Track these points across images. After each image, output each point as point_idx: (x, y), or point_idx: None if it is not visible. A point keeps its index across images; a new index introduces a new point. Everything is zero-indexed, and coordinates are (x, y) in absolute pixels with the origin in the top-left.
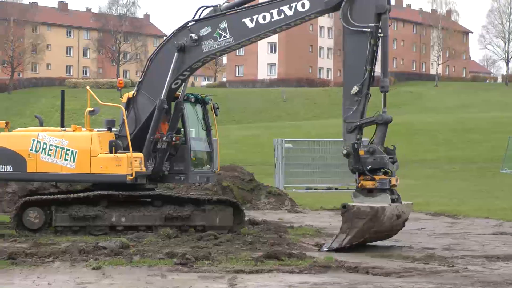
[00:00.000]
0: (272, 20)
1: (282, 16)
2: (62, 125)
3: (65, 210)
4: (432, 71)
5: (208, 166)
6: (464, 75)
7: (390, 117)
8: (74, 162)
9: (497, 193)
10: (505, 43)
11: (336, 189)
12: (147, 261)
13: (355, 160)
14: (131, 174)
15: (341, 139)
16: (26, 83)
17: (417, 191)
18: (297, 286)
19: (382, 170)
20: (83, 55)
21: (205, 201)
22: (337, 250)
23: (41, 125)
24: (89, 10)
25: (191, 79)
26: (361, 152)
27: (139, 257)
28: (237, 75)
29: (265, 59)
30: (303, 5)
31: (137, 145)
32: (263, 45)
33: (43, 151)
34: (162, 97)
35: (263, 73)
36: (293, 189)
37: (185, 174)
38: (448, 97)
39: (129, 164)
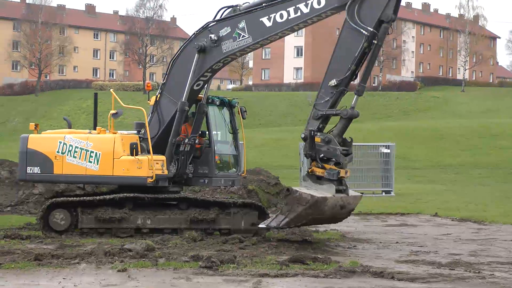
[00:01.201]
0: (289, 18)
1: (299, 13)
2: (95, 127)
3: (91, 212)
4: (459, 76)
5: (234, 169)
6: (491, 80)
7: (357, 112)
8: (97, 164)
9: None
10: None
11: (361, 193)
12: (172, 264)
13: (310, 146)
14: (152, 177)
15: (367, 144)
16: (53, 85)
17: (443, 197)
18: None
19: (333, 160)
20: (110, 58)
21: (231, 205)
22: (274, 228)
23: (69, 127)
24: (116, 12)
25: (216, 82)
26: (317, 139)
27: (164, 260)
28: (263, 78)
29: (291, 63)
30: (318, 2)
31: (162, 148)
32: (289, 49)
33: (69, 153)
34: (183, 99)
35: (289, 77)
36: None
37: (209, 177)
38: (475, 102)
39: (150, 166)
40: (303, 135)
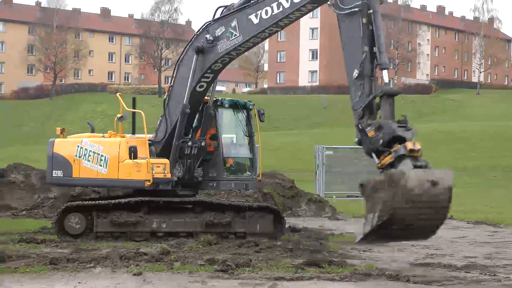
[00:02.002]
0: (273, 13)
1: (281, 8)
2: (133, 132)
3: (106, 216)
4: (474, 79)
5: (248, 172)
6: (506, 83)
7: (394, 89)
8: (106, 167)
9: None
10: None
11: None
12: (188, 268)
13: (366, 143)
14: (149, 180)
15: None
16: (68, 88)
17: (458, 199)
18: None
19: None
20: (125, 61)
21: (246, 208)
22: (371, 233)
23: (92, 131)
24: (131, 16)
25: (232, 85)
26: (371, 133)
27: (180, 264)
28: (278, 81)
29: (307, 66)
30: None
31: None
32: (304, 52)
33: (85, 157)
34: (184, 102)
35: (304, 80)
36: (334, 197)
37: (217, 180)
38: (490, 105)
39: (149, 170)
40: (356, 139)
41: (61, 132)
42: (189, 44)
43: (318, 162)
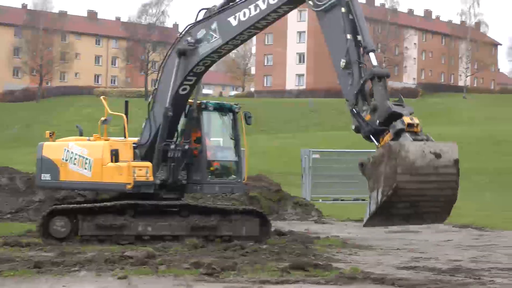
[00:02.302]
0: (251, 15)
1: (258, 10)
2: (125, 135)
3: (92, 219)
4: (460, 83)
5: (234, 176)
6: (492, 87)
7: (384, 70)
8: (90, 170)
9: None
10: None
11: (363, 200)
12: (173, 271)
13: (363, 127)
14: (130, 183)
15: (369, 150)
16: (54, 91)
17: None
18: None
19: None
20: (112, 64)
21: (232, 211)
22: (378, 213)
23: (81, 134)
24: (118, 19)
25: (219, 89)
26: (368, 117)
27: (165, 267)
28: (265, 85)
29: (294, 70)
30: None
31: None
32: (291, 55)
33: (71, 160)
34: (167, 105)
35: (291, 84)
36: (320, 200)
37: (201, 184)
38: (476, 109)
39: (130, 173)
40: (353, 126)
41: (50, 136)
42: (173, 46)
43: (305, 165)
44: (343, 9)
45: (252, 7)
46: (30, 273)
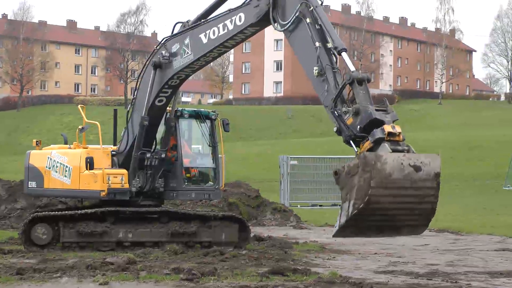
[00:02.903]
0: (219, 34)
1: (226, 30)
2: (115, 144)
3: (73, 226)
4: (436, 89)
5: (211, 182)
6: (467, 93)
7: (364, 74)
8: (70, 178)
9: (500, 210)
10: (508, 62)
11: (340, 205)
12: (154, 277)
13: (344, 131)
14: (104, 190)
15: (347, 156)
16: (35, 100)
17: None
18: None
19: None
20: (91, 73)
21: (211, 218)
22: (348, 225)
23: (66, 143)
24: (97, 28)
25: (197, 96)
26: (350, 120)
27: (146, 273)
28: (243, 92)
29: (271, 77)
30: (240, 19)
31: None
32: (269, 63)
33: (53, 168)
34: (143, 114)
35: (269, 91)
36: (298, 206)
37: (177, 190)
38: (452, 115)
39: (104, 180)
40: (335, 129)
41: (37, 144)
42: (150, 57)
43: (283, 171)
44: (308, 20)
45: (221, 26)
46: (13, 279)
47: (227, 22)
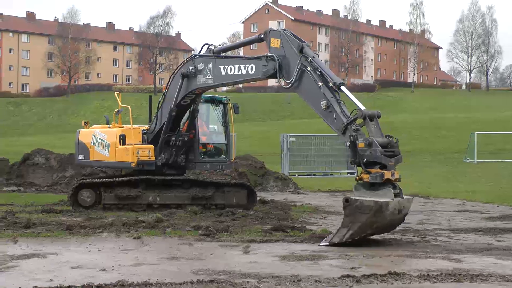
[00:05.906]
0: (234, 73)
1: (240, 72)
2: (150, 120)
3: (112, 191)
4: (409, 80)
5: (223, 156)
6: (435, 83)
7: (374, 111)
8: (108, 152)
9: (461, 179)
10: (468, 57)
11: (331, 174)
12: (178, 233)
13: (353, 153)
14: (134, 162)
15: (335, 135)
16: (80, 88)
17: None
18: (299, 252)
19: (379, 163)
20: (127, 66)
21: (225, 184)
22: (337, 244)
23: (107, 123)
24: (131, 29)
25: None
26: (361, 145)
27: (171, 229)
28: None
29: None
30: (251, 69)
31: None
32: None
33: (96, 143)
34: (172, 106)
35: (272, 81)
36: (296, 175)
37: (194, 162)
38: (422, 100)
39: (134, 153)
40: (348, 143)
41: (85, 124)
42: (181, 65)
43: (283, 147)
44: (309, 68)
45: (236, 67)
46: (63, 234)
47: (242, 66)
